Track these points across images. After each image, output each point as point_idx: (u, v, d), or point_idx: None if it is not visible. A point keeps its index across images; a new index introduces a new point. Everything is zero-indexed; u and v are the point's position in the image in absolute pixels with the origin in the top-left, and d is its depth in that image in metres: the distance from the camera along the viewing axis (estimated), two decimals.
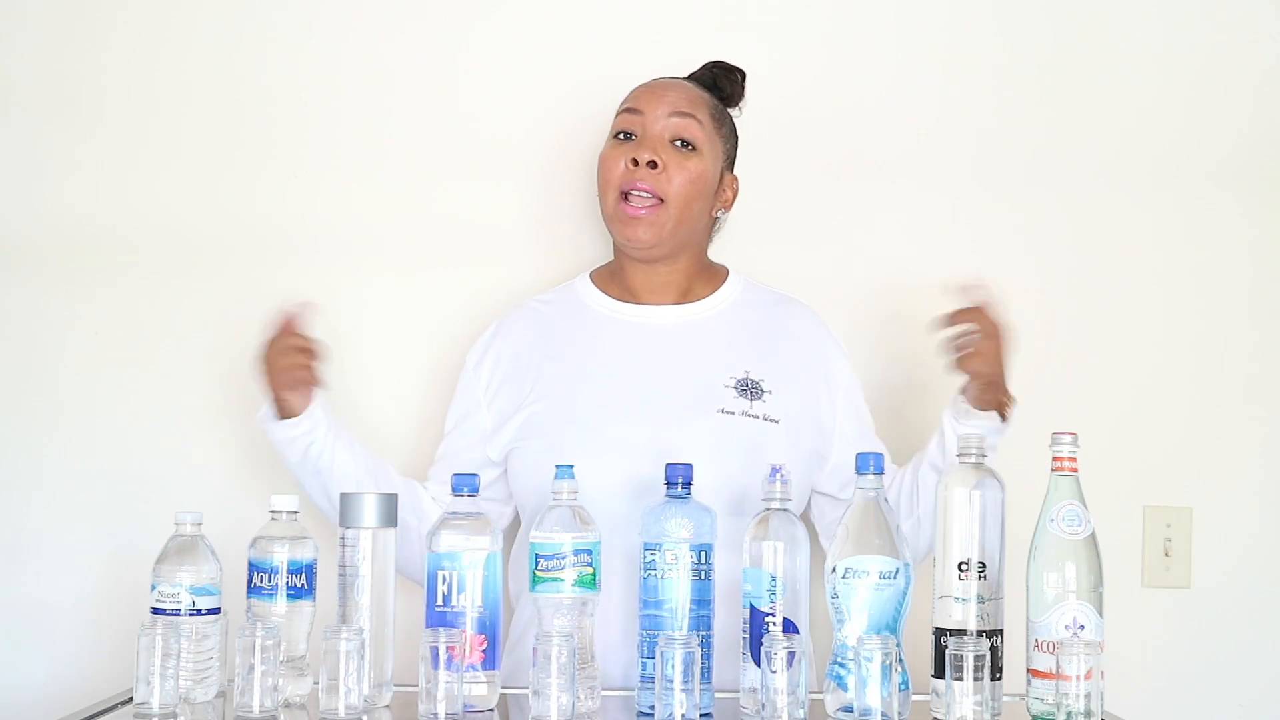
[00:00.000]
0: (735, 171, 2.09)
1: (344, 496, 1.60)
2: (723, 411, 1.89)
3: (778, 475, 1.58)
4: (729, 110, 2.08)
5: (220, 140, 2.30)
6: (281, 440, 1.86)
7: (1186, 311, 2.32)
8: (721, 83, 2.08)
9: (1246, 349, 2.31)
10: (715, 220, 2.07)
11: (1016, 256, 2.32)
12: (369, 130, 2.31)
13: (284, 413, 1.85)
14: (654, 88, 2.02)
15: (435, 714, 1.46)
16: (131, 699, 1.53)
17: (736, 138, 2.09)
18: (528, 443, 1.92)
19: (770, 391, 1.92)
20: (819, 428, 1.96)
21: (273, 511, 1.61)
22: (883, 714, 1.45)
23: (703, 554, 1.59)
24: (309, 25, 2.33)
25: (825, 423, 1.96)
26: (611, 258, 2.09)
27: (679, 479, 1.62)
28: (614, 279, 2.05)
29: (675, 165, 1.96)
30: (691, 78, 2.08)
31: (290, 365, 1.84)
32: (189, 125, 2.30)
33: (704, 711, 1.54)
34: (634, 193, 1.95)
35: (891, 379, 2.22)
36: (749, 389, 1.92)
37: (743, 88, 2.10)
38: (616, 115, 2.03)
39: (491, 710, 1.57)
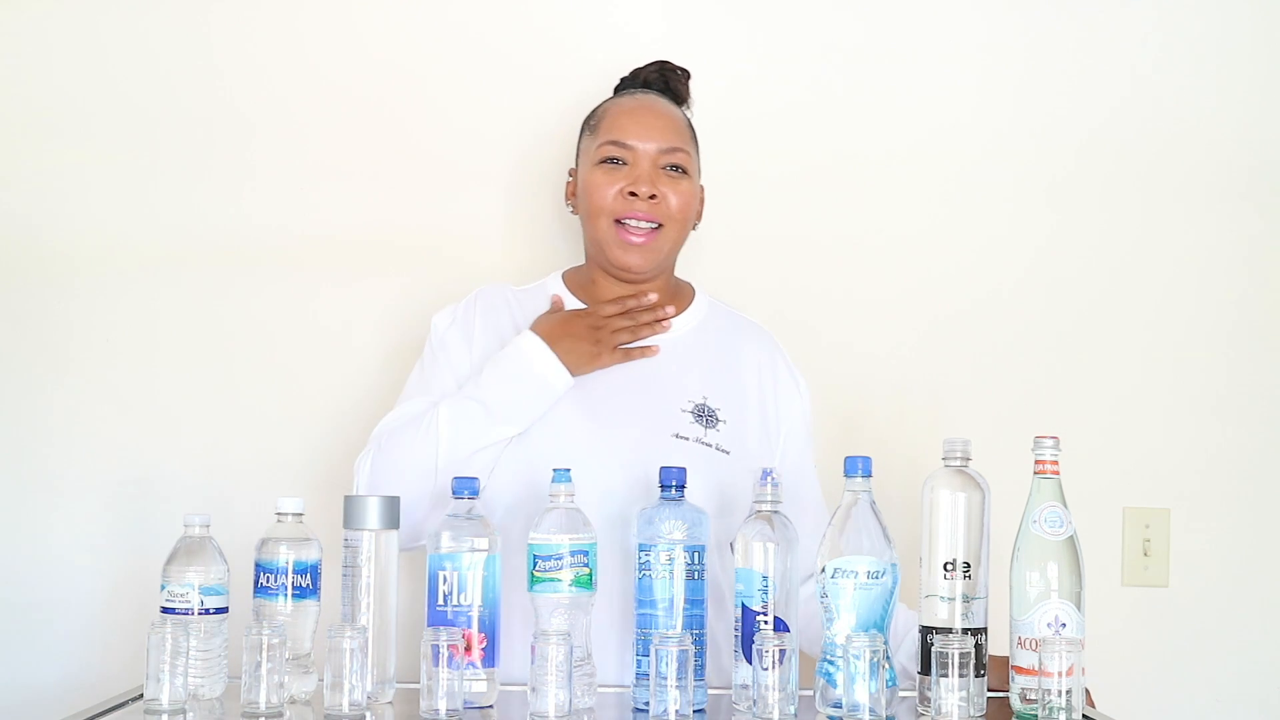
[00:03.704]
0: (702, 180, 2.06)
1: (348, 499, 1.62)
2: (677, 436, 1.89)
3: (769, 479, 1.60)
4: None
5: (210, 150, 2.33)
6: (552, 398, 1.86)
7: (1166, 321, 2.34)
8: (675, 85, 2.06)
9: (1224, 358, 2.35)
10: None
11: (1003, 263, 2.35)
12: (354, 138, 2.34)
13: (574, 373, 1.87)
14: (638, 117, 1.97)
15: (436, 710, 1.48)
16: (142, 695, 1.54)
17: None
18: None
19: (725, 421, 1.92)
20: (763, 461, 1.92)
21: (278, 514, 1.62)
22: (870, 710, 1.49)
23: (695, 555, 1.60)
24: (279, 36, 2.35)
25: (767, 458, 1.95)
26: (581, 261, 2.06)
27: (673, 482, 1.63)
28: (583, 290, 2.02)
29: (671, 190, 1.95)
30: (643, 81, 2.05)
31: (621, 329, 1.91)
32: (173, 136, 2.33)
33: (697, 708, 1.57)
34: (631, 220, 1.94)
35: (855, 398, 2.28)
36: (704, 416, 1.91)
37: (689, 87, 2.08)
38: (598, 140, 1.97)
39: (490, 706, 1.59)
